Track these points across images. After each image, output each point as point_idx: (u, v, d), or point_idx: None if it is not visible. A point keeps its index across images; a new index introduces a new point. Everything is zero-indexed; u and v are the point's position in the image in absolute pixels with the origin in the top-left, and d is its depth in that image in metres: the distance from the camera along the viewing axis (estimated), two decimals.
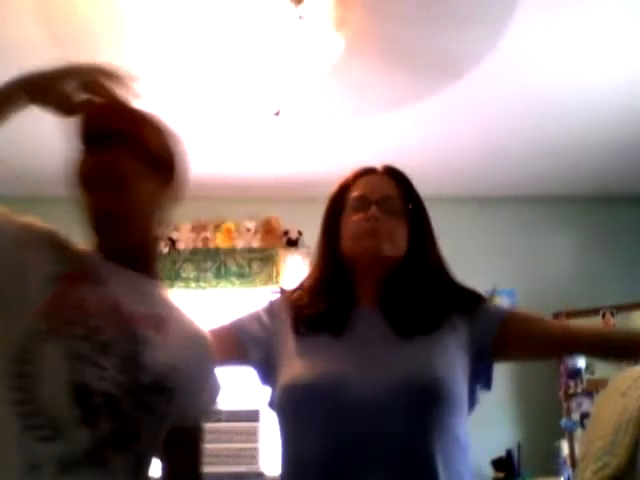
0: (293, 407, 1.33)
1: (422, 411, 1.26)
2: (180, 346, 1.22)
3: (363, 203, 1.41)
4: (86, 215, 1.22)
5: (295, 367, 1.34)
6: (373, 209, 1.39)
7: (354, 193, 1.45)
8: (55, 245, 1.20)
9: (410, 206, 1.44)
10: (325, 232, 1.49)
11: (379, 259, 1.39)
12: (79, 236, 1.24)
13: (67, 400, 1.06)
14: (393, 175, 1.47)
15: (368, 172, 1.49)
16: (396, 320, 1.37)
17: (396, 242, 1.40)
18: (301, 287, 1.49)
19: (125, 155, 1.22)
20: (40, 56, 2.78)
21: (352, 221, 1.41)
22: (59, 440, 1.05)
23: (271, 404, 1.43)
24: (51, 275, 1.15)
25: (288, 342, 1.40)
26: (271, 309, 1.49)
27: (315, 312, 1.40)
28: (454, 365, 1.33)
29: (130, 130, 1.23)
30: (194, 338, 1.29)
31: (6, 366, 1.08)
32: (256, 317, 1.48)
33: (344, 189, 1.48)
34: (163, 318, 1.23)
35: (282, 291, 1.56)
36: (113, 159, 1.21)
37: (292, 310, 1.44)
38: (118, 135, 1.22)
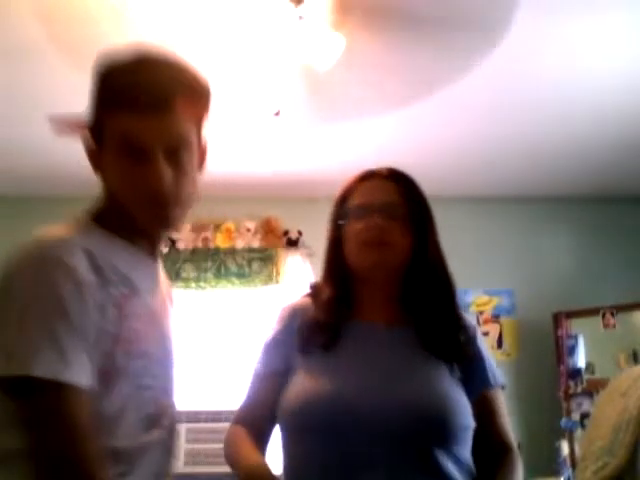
0: (292, 425, 1.30)
1: (431, 439, 1.23)
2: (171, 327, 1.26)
3: (365, 211, 1.36)
4: (127, 194, 1.03)
5: (298, 384, 1.31)
6: (375, 217, 1.34)
7: (356, 200, 1.40)
8: (96, 268, 1.02)
9: (412, 209, 1.38)
10: (331, 242, 1.44)
11: (384, 271, 1.36)
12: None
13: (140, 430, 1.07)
14: (395, 178, 1.42)
15: (370, 176, 1.44)
16: (429, 343, 1.34)
17: (398, 249, 1.35)
18: (311, 296, 1.45)
19: (183, 120, 1.01)
20: (40, 56, 2.80)
21: (354, 230, 1.36)
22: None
23: None
24: (102, 302, 1.01)
25: (297, 356, 1.36)
26: (283, 321, 1.44)
27: (316, 326, 1.36)
28: (463, 396, 1.33)
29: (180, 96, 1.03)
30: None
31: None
32: (272, 346, 1.41)
33: (346, 195, 1.43)
34: (167, 302, 1.26)
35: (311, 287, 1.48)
36: (171, 125, 0.98)
37: (299, 321, 1.40)
38: (171, 99, 0.99)
